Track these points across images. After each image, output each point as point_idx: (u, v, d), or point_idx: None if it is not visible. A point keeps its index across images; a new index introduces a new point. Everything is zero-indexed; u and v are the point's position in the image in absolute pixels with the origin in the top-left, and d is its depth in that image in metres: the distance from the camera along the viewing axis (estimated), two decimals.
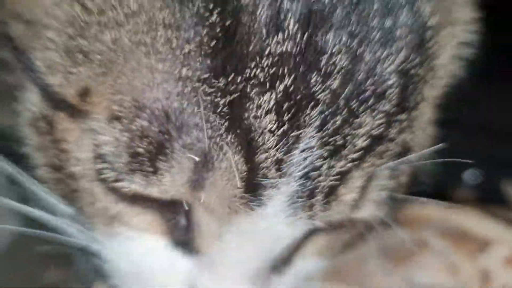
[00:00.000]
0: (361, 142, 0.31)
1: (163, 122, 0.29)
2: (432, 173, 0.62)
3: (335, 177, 0.31)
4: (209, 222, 0.33)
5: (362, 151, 0.32)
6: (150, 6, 0.29)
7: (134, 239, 0.35)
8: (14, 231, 0.69)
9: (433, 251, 0.50)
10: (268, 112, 0.29)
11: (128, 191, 0.32)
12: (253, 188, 0.30)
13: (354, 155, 0.32)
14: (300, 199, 0.31)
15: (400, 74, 0.32)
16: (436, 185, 0.57)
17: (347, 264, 0.50)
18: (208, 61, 0.29)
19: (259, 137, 0.29)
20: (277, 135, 0.29)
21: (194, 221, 0.33)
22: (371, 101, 0.31)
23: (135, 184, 0.31)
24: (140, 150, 0.30)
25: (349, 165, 0.32)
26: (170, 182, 0.30)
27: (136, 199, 0.33)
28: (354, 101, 0.31)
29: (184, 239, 0.34)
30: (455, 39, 0.38)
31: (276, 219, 0.32)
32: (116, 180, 0.31)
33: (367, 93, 0.31)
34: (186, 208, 0.32)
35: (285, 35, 0.29)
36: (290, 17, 0.29)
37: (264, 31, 0.29)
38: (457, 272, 0.49)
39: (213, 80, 0.29)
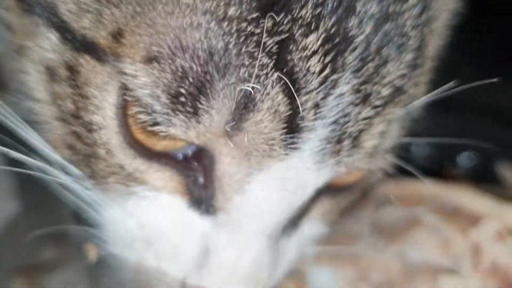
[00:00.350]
0: (385, 91, 0.33)
1: (206, 62, 0.29)
2: (427, 153, 0.62)
3: (361, 123, 0.33)
4: (234, 172, 0.32)
5: (385, 99, 0.33)
6: None
7: (149, 198, 0.34)
8: (11, 211, 0.70)
9: (426, 227, 0.51)
10: (312, 54, 0.30)
11: (162, 136, 0.31)
12: (291, 130, 0.31)
13: (378, 102, 0.33)
14: (329, 145, 0.32)
15: (417, 28, 0.34)
16: (431, 166, 0.58)
17: (339, 241, 0.50)
18: (256, 1, 0.29)
19: (302, 78, 0.30)
20: (320, 78, 0.30)
21: (216, 175, 0.32)
22: (397, 51, 0.33)
23: (173, 127, 0.30)
24: (181, 90, 0.29)
25: (373, 112, 0.33)
26: (208, 124, 0.30)
27: (155, 155, 0.33)
28: (384, 49, 0.32)
29: (202, 197, 0.34)
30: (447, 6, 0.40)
31: (306, 165, 0.32)
32: (153, 124, 0.31)
33: (394, 43, 0.32)
34: (214, 159, 0.32)
35: None
36: None
37: None
38: (449, 247, 0.50)
39: (261, 21, 0.29)
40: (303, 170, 0.33)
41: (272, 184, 0.32)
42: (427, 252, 0.50)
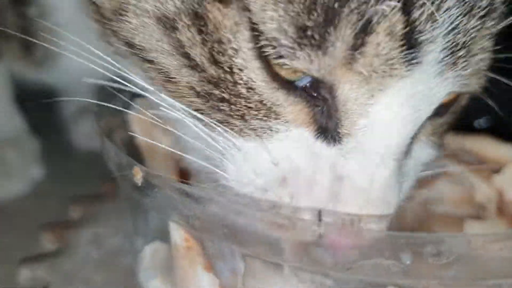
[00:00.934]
0: (484, 3, 0.34)
1: None
2: None
3: (471, 32, 0.33)
4: (357, 97, 0.32)
5: (485, 11, 0.34)
6: None
7: (282, 133, 0.35)
8: (38, 174, 0.72)
9: (450, 178, 0.52)
10: None
11: (290, 69, 0.32)
12: (411, 45, 0.31)
13: (481, 13, 0.34)
14: (447, 57, 0.33)
15: None
16: None
17: None
18: None
19: None
20: None
21: (339, 102, 0.33)
22: None
23: (297, 61, 0.31)
24: (309, 22, 0.30)
25: (478, 23, 0.34)
26: (332, 55, 0.31)
27: (290, 87, 0.33)
28: None
29: (328, 127, 0.34)
30: None
31: (428, 80, 0.33)
32: (278, 57, 0.31)
33: None
34: (334, 88, 0.33)
35: None
36: None
37: None
38: (474, 195, 0.51)
39: None
40: (426, 84, 0.33)
41: (396, 103, 0.33)
42: (452, 202, 0.51)
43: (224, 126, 0.35)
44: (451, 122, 0.42)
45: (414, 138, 0.37)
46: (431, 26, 0.32)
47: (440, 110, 0.37)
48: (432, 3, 0.31)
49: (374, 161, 0.34)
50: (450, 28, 0.32)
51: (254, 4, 0.31)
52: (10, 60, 0.68)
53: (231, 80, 0.34)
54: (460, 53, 0.34)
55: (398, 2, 0.30)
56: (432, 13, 0.31)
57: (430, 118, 0.37)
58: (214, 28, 0.33)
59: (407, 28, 0.31)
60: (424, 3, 0.30)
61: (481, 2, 0.34)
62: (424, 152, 0.40)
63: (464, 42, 0.34)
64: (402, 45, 0.31)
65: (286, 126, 0.35)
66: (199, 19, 0.33)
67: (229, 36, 0.33)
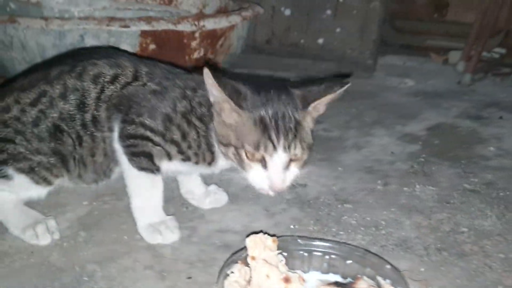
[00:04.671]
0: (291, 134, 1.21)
1: (257, 144, 1.20)
2: None
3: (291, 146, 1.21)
4: (270, 159, 1.20)
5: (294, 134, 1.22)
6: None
7: (254, 169, 1.20)
8: None
9: None
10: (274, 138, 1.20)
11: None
12: (276, 149, 1.22)
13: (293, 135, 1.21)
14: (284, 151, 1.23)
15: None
16: None
17: None
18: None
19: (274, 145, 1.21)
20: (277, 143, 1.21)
21: (268, 162, 1.20)
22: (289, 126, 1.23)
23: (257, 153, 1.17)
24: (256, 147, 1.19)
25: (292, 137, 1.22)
26: (258, 154, 1.21)
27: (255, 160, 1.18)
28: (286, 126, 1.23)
29: (264, 166, 1.20)
30: None
31: (281, 155, 1.23)
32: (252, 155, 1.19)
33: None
34: (264, 157, 1.19)
35: None
36: None
37: None
38: None
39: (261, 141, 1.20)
40: (281, 156, 1.16)
41: (276, 159, 1.16)
42: None
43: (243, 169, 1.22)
44: (302, 163, 1.22)
45: (287, 166, 1.19)
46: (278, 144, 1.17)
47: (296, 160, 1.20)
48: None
49: (275, 170, 1.17)
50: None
51: (247, 148, 1.19)
52: None
53: (244, 162, 1.20)
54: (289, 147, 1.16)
55: (270, 142, 1.17)
56: (277, 143, 1.20)
57: (292, 162, 1.20)
58: (238, 153, 1.21)
59: (273, 146, 1.16)
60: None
61: (291, 134, 1.19)
62: (295, 170, 1.20)
63: (289, 145, 1.17)
64: (273, 148, 1.16)
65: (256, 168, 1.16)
66: (237, 151, 1.20)
67: (241, 153, 1.20)
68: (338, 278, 1.14)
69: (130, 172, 1.39)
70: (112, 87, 1.39)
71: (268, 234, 1.13)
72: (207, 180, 1.61)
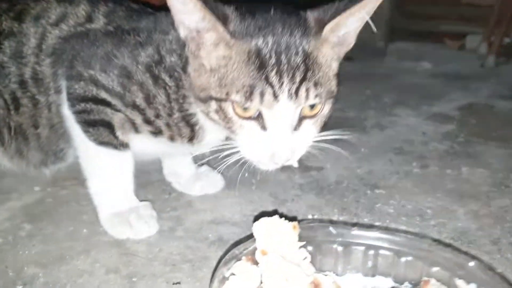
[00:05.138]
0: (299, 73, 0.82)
1: (252, 86, 0.80)
2: None
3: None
4: (268, 112, 0.82)
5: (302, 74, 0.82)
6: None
7: (247, 133, 0.84)
8: None
9: None
10: (275, 74, 0.80)
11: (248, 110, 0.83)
12: (275, 95, 0.81)
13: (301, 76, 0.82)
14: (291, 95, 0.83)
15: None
16: None
17: None
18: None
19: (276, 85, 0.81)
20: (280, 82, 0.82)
21: (265, 115, 0.82)
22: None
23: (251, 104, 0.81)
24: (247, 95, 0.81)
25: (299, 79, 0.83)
26: (256, 103, 0.82)
27: (246, 118, 0.83)
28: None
29: (262, 125, 0.83)
30: None
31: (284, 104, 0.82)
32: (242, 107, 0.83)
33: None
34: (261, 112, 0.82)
35: None
36: None
37: None
38: None
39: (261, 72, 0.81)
40: (286, 107, 0.80)
41: (279, 113, 0.80)
42: None
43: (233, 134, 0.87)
44: (321, 120, 0.87)
45: (298, 125, 0.83)
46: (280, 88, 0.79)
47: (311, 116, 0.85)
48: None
49: (279, 131, 0.81)
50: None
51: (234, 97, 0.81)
52: None
53: (231, 121, 0.84)
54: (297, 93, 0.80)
55: (269, 85, 0.79)
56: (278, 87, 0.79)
57: (305, 119, 0.84)
58: (223, 109, 0.83)
59: (274, 91, 0.79)
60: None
61: (298, 73, 0.80)
62: (310, 130, 0.86)
63: (296, 90, 0.80)
64: (274, 96, 0.79)
65: (249, 130, 0.83)
66: (220, 106, 0.84)
67: (227, 109, 0.83)
68: (389, 283, 0.77)
69: (85, 147, 1.02)
70: (56, 31, 1.02)
71: (286, 218, 0.76)
72: (197, 159, 1.24)
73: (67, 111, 1.01)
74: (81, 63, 0.97)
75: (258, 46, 0.80)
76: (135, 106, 0.97)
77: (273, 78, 0.78)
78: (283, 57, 0.79)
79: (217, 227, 1.06)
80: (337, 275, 0.79)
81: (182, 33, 0.85)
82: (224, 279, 0.66)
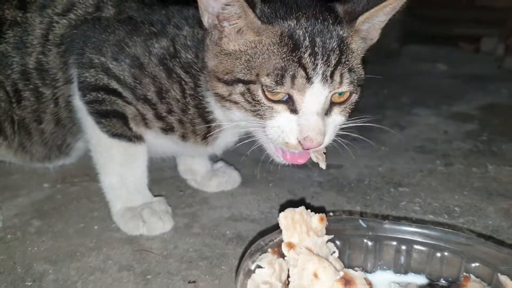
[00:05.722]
0: (334, 56, 0.79)
1: (285, 66, 0.77)
2: None
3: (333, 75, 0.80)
4: (299, 96, 0.78)
5: (338, 55, 0.80)
6: None
7: (277, 116, 0.80)
8: None
9: None
10: (309, 56, 0.78)
11: (276, 93, 0.78)
12: (309, 78, 0.77)
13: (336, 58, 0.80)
14: (324, 79, 0.80)
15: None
16: None
17: None
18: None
19: (310, 67, 0.78)
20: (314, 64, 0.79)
21: (296, 100, 0.78)
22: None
23: (278, 89, 0.78)
24: (279, 78, 0.78)
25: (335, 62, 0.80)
26: (287, 86, 0.77)
27: (276, 101, 0.79)
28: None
29: (294, 109, 0.79)
30: None
31: (319, 90, 0.79)
32: (271, 91, 0.79)
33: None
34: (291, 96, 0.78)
35: None
36: None
37: None
38: None
39: (295, 53, 0.78)
40: (319, 91, 0.78)
41: (312, 96, 0.77)
42: None
43: (259, 118, 0.81)
44: (349, 108, 0.84)
45: (328, 111, 0.81)
46: (314, 71, 0.76)
47: (340, 102, 0.82)
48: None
49: (311, 115, 0.78)
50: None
51: (264, 80, 0.78)
52: None
53: (259, 104, 0.80)
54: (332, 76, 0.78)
55: (302, 68, 0.76)
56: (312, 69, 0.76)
57: (334, 105, 0.81)
58: (251, 91, 0.80)
59: (307, 74, 0.76)
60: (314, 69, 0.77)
61: (333, 56, 0.77)
62: (338, 117, 0.82)
63: (331, 73, 0.77)
64: (307, 79, 0.76)
65: (280, 113, 0.80)
66: (248, 88, 0.80)
67: (255, 92, 0.79)
68: (423, 280, 0.72)
69: (98, 139, 0.97)
70: (64, 21, 0.98)
71: (312, 210, 0.71)
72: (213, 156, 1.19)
73: (78, 102, 0.97)
74: (92, 49, 0.93)
75: (291, 28, 0.78)
76: (146, 100, 0.92)
77: (307, 60, 0.76)
78: (318, 39, 0.77)
79: (235, 224, 1.01)
80: (366, 271, 0.74)
81: (206, 20, 0.82)
82: (250, 272, 0.61)
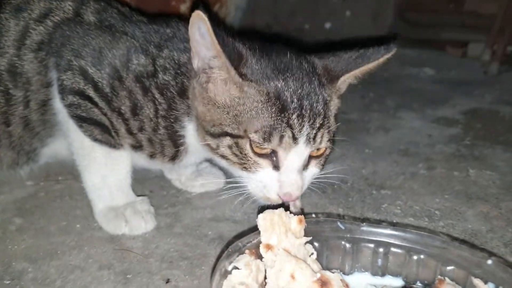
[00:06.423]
0: (319, 120, 0.85)
1: (271, 128, 0.82)
2: None
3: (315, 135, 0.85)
4: (283, 154, 0.83)
5: (321, 122, 0.85)
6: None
7: (260, 171, 0.85)
8: None
9: None
10: (297, 120, 0.82)
11: (262, 148, 0.83)
12: (295, 138, 0.82)
13: (320, 122, 0.85)
14: (308, 140, 0.84)
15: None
16: None
17: None
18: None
19: (296, 128, 0.82)
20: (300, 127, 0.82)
21: (279, 157, 0.83)
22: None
23: (265, 145, 0.82)
24: (265, 137, 0.81)
25: (319, 126, 0.86)
26: (273, 143, 0.81)
27: (261, 155, 0.84)
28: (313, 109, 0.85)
29: (276, 165, 0.84)
30: None
31: (302, 147, 0.83)
32: (259, 146, 0.83)
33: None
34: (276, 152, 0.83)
35: None
36: None
37: None
38: None
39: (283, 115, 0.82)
40: (301, 150, 0.83)
41: (294, 155, 0.83)
42: None
43: (244, 171, 0.87)
44: (324, 160, 0.91)
45: (306, 165, 0.87)
46: (300, 132, 0.82)
47: (317, 156, 0.88)
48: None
49: (291, 172, 0.84)
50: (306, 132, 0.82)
51: (251, 135, 0.82)
52: None
53: (245, 157, 0.84)
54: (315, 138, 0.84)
55: (289, 129, 0.81)
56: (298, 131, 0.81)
57: (311, 159, 0.88)
58: (240, 147, 0.84)
59: (293, 135, 0.81)
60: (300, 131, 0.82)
61: (319, 119, 0.83)
62: (314, 169, 0.89)
63: (315, 135, 0.83)
64: (293, 139, 0.81)
65: (261, 168, 0.85)
66: (236, 142, 0.84)
67: (243, 146, 0.83)
68: (400, 282, 0.73)
69: (80, 142, 0.97)
70: (41, 27, 0.97)
71: (301, 214, 0.72)
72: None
73: (59, 105, 0.96)
74: (70, 51, 0.92)
75: (278, 89, 0.81)
76: (120, 114, 0.93)
77: (295, 121, 0.81)
78: (305, 102, 0.82)
79: (217, 224, 1.01)
80: (344, 273, 0.75)
81: (196, 63, 0.85)
82: (226, 273, 0.61)
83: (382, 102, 2.01)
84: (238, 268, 0.62)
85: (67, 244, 0.93)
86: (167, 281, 0.81)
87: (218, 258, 0.67)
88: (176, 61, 0.90)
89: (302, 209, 0.93)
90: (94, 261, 0.87)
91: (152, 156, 0.97)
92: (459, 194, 1.17)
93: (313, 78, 0.85)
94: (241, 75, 0.81)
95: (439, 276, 0.68)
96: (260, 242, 0.67)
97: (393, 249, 0.73)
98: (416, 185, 1.22)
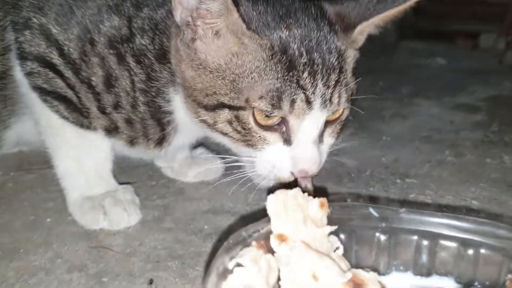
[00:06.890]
0: (334, 76, 0.70)
1: (280, 90, 0.66)
2: None
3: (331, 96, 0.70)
4: (296, 124, 0.68)
5: (337, 75, 0.70)
6: None
7: (267, 148, 0.70)
8: None
9: None
10: (309, 77, 0.67)
11: (270, 118, 0.67)
12: (309, 103, 0.67)
13: (335, 78, 0.69)
14: (322, 103, 0.68)
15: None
16: None
17: None
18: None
19: (309, 90, 0.67)
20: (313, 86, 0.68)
21: (290, 128, 0.68)
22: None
23: (274, 113, 0.67)
24: (274, 102, 0.66)
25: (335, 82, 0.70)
26: (284, 110, 0.66)
27: (268, 128, 0.69)
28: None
29: (286, 139, 0.69)
30: None
31: (317, 114, 0.68)
32: (266, 115, 0.68)
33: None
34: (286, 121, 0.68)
35: None
36: None
37: None
38: None
39: (291, 74, 0.67)
40: (317, 116, 0.68)
41: (309, 123, 0.68)
42: None
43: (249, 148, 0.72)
44: (339, 127, 0.76)
45: (321, 135, 0.72)
46: (314, 94, 0.67)
47: (332, 122, 0.73)
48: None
49: (306, 145, 0.69)
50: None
51: (256, 103, 0.66)
52: None
53: (249, 133, 0.70)
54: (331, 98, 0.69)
55: (302, 90, 0.65)
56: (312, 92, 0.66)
57: (326, 126, 0.72)
58: (242, 120, 0.68)
59: (307, 97, 0.66)
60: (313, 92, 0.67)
61: (333, 75, 0.67)
62: (330, 140, 0.75)
63: (331, 95, 0.68)
64: (307, 102, 0.66)
65: (271, 144, 0.70)
66: (237, 116, 0.68)
67: (245, 119, 0.68)
68: (451, 284, 0.56)
69: (48, 119, 0.81)
70: None
71: (311, 195, 0.55)
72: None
73: (19, 74, 0.80)
74: (29, 6, 0.75)
75: (283, 41, 0.65)
76: (90, 87, 0.76)
77: (306, 80, 0.65)
78: (316, 55, 0.66)
79: (214, 217, 0.85)
80: (379, 273, 0.58)
81: (179, 15, 0.67)
82: (226, 272, 0.44)
83: (395, 90, 1.86)
84: (242, 266, 0.45)
85: (32, 241, 0.77)
86: (150, 282, 0.65)
87: (214, 253, 0.49)
88: (154, 19, 0.74)
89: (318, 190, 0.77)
90: (63, 261, 0.71)
91: (132, 142, 0.81)
92: (496, 182, 1.01)
93: (323, 25, 0.69)
94: (245, 21, 0.64)
95: (509, 275, 0.52)
96: (270, 232, 0.50)
97: (442, 241, 0.56)
98: (445, 173, 1.05)
